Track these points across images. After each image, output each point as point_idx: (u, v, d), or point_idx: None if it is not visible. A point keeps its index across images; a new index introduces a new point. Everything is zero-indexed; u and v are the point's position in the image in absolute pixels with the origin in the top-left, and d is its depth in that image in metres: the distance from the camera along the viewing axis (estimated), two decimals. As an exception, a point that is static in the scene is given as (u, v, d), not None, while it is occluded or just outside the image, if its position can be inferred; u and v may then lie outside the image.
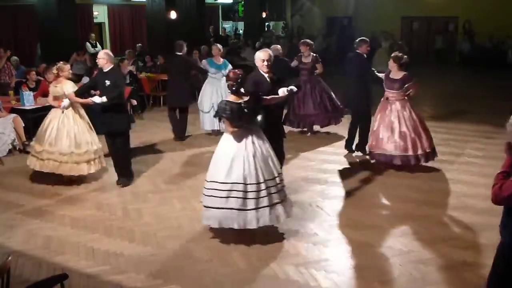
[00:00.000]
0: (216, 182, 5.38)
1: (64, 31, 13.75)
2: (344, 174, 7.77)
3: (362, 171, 7.85)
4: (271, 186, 5.44)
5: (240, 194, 5.30)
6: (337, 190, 7.11)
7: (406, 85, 7.60)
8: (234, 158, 5.35)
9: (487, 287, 3.50)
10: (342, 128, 9.91)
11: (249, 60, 17.27)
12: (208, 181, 5.49)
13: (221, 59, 10.13)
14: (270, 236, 5.62)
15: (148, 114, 12.64)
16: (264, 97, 5.77)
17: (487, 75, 18.59)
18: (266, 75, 5.95)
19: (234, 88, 5.44)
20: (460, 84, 17.36)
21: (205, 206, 5.50)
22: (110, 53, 7.23)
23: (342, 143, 9.09)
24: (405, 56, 7.75)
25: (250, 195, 5.31)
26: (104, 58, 7.07)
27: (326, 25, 25.15)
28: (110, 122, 7.14)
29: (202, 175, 6.93)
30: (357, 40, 8.63)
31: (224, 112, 5.35)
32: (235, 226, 5.36)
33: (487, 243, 5.38)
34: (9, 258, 3.21)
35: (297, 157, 8.59)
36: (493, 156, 8.48)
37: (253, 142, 5.43)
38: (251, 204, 5.31)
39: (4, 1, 16.07)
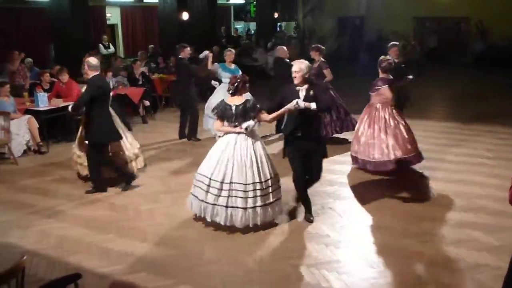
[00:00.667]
0: (197, 172, 5.97)
1: (77, 33, 13.84)
2: (355, 175, 7.75)
3: (373, 172, 7.82)
4: (238, 190, 5.63)
5: (204, 187, 5.78)
6: (349, 191, 7.10)
7: (376, 87, 7.49)
8: (213, 155, 5.86)
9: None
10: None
11: (261, 60, 17.32)
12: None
13: (232, 65, 9.94)
14: (281, 237, 5.65)
15: (160, 114, 12.72)
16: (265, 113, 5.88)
17: (500, 75, 18.44)
18: (297, 87, 5.79)
19: (230, 91, 5.89)
20: (472, 84, 17.27)
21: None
22: (92, 61, 6.91)
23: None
24: (389, 60, 7.53)
25: (212, 190, 5.74)
26: (84, 67, 7.05)
27: (337, 25, 25.11)
28: (89, 132, 6.97)
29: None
30: (388, 45, 8.59)
31: (215, 110, 5.95)
32: (196, 211, 5.97)
33: (500, 244, 5.37)
34: (24, 257, 3.25)
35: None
36: (504, 157, 8.45)
37: (235, 144, 5.73)
38: (210, 198, 5.75)
39: (18, 3, 16.23)
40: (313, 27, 24.85)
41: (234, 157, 5.67)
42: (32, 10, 16.81)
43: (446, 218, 6.14)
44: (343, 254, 5.27)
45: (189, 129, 10.09)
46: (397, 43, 8.60)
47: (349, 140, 9.66)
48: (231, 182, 5.63)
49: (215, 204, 5.70)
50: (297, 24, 26.59)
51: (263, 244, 5.48)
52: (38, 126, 9.21)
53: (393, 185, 7.31)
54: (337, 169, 8.02)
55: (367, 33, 23.94)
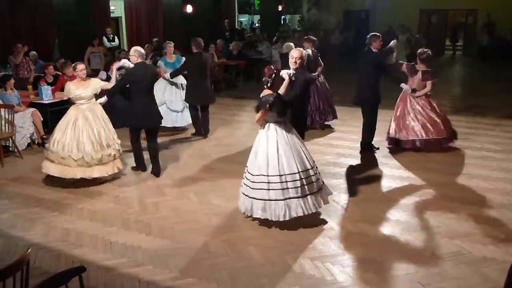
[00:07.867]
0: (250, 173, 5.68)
1: (81, 26, 13.81)
2: (359, 168, 7.74)
3: (377, 165, 7.81)
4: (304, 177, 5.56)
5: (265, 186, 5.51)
6: (353, 184, 7.08)
7: (425, 79, 8.32)
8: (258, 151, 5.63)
9: (507, 282, 3.45)
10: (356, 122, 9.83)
11: (266, 53, 17.25)
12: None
13: (174, 57, 10.01)
14: (286, 230, 5.63)
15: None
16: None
17: (506, 68, 18.35)
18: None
19: (269, 84, 5.58)
20: (479, 77, 17.17)
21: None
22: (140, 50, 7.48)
23: (355, 137, 9.04)
24: (429, 51, 8.34)
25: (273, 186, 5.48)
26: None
27: (343, 18, 25.00)
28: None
29: (219, 170, 6.98)
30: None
31: (267, 103, 5.38)
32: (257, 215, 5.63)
33: (506, 238, 5.35)
34: (29, 250, 3.25)
35: (312, 151, 8.54)
36: (511, 150, 8.40)
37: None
38: (273, 195, 5.49)
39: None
40: (318, 20, 24.72)
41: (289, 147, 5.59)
42: (36, 2, 16.77)
43: (451, 211, 6.10)
44: (347, 247, 5.25)
45: (205, 127, 9.79)
46: (379, 34, 8.34)
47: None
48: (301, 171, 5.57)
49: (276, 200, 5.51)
50: (301, 17, 26.47)
51: (268, 238, 5.47)
52: (42, 119, 9.21)
53: (397, 178, 7.29)
54: (342, 162, 8.00)
55: (373, 26, 23.80)
